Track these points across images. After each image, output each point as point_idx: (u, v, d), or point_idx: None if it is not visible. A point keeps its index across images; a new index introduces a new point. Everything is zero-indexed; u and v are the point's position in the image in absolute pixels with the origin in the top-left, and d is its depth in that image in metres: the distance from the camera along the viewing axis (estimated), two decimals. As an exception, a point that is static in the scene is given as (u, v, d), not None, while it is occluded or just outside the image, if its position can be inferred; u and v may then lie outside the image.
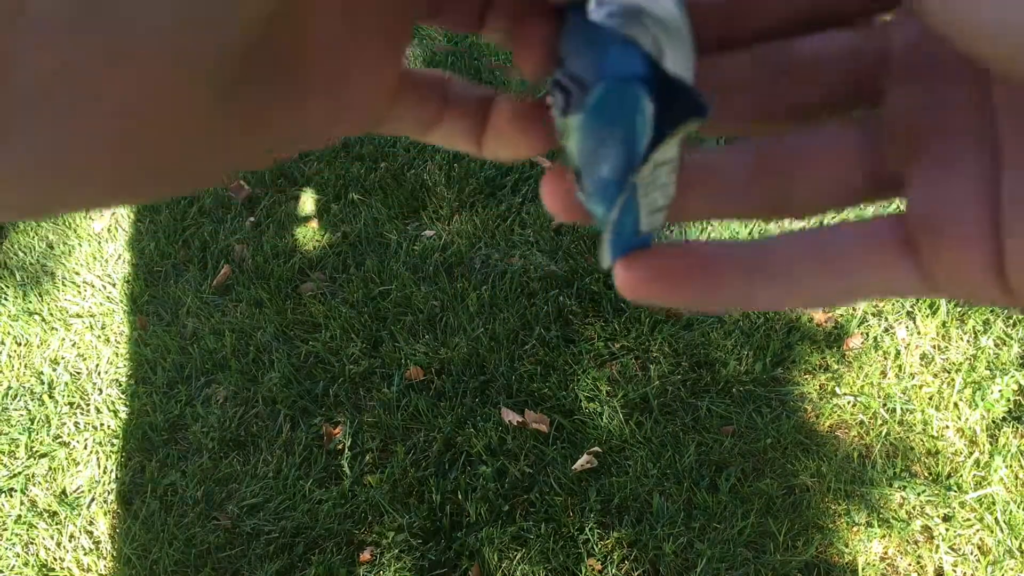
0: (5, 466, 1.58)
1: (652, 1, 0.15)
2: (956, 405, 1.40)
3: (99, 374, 1.70)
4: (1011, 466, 1.32)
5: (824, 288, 0.16)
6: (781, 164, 0.17)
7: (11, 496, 1.53)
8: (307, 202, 1.92)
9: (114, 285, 1.85)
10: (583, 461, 1.38)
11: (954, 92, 0.16)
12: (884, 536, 1.27)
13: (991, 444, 1.34)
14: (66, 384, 1.69)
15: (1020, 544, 1.24)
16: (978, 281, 0.15)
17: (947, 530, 1.27)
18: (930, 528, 1.27)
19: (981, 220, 0.15)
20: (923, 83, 0.16)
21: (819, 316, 1.53)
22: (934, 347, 1.47)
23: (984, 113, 0.15)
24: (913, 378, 1.43)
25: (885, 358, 1.46)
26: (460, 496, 1.38)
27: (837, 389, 1.43)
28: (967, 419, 1.37)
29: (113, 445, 1.57)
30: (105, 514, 1.48)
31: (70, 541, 1.46)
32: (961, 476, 1.32)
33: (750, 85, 0.18)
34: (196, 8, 0.12)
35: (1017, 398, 1.38)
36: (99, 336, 1.76)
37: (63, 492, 1.52)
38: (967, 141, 0.15)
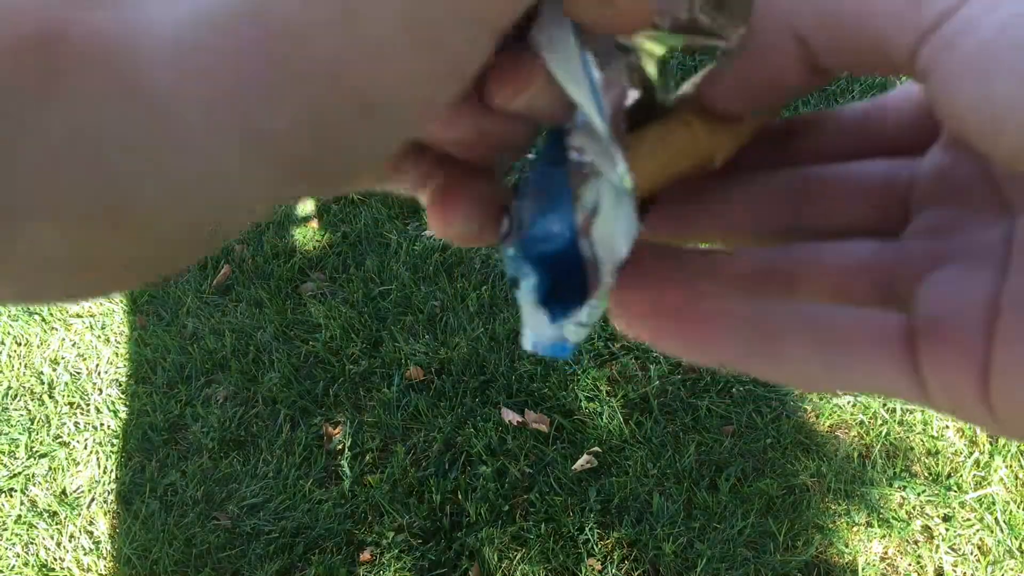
0: (5, 466, 1.58)
1: (610, 169, 0.16)
2: (956, 405, 1.39)
3: (99, 374, 1.70)
4: (1011, 466, 1.32)
5: (816, 375, 0.16)
6: (786, 268, 0.17)
7: (11, 496, 1.53)
8: (307, 202, 1.92)
9: (114, 285, 1.85)
10: (583, 461, 1.38)
11: (979, 218, 0.15)
12: (884, 536, 1.27)
13: (991, 444, 1.34)
14: (66, 384, 1.69)
15: (1020, 544, 1.24)
16: (966, 392, 0.14)
17: (947, 530, 1.27)
18: (930, 528, 1.27)
19: (980, 325, 0.14)
20: (947, 209, 0.16)
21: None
22: (934, 347, 1.47)
23: (1007, 237, 0.15)
24: (913, 378, 1.43)
25: (885, 358, 1.46)
26: (460, 496, 1.38)
27: (837, 389, 1.43)
28: (967, 419, 1.37)
29: (113, 445, 1.57)
30: (105, 514, 1.48)
31: (70, 541, 1.46)
32: (961, 476, 1.32)
33: (775, 205, 0.18)
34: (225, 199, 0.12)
35: (1017, 398, 1.38)
36: (99, 336, 1.76)
37: (63, 492, 1.52)
38: (986, 263, 0.15)
